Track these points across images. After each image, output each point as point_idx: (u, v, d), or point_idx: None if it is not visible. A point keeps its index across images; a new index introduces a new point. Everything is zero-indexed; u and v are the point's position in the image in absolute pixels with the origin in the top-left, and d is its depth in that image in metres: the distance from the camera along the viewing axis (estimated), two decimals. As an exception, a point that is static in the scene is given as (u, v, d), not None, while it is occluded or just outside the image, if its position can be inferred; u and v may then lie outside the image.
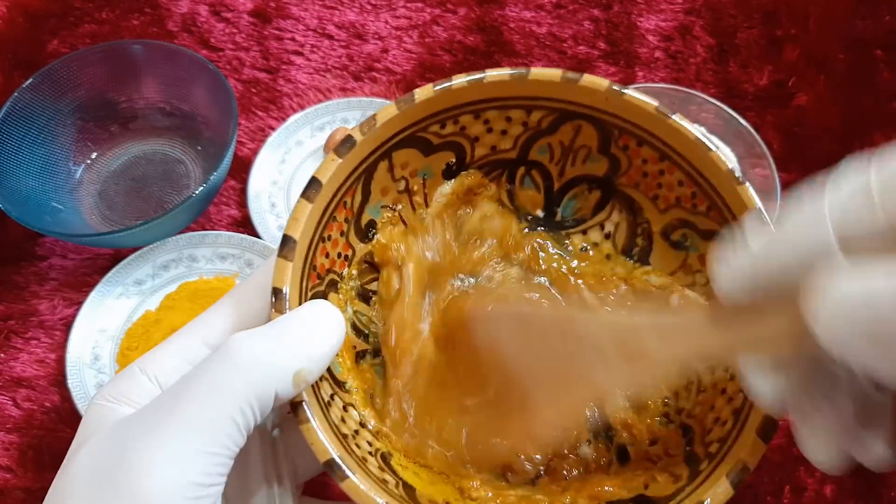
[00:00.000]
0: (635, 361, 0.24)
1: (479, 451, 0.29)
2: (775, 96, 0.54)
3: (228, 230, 0.49)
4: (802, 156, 0.51)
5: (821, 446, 0.22)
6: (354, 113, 0.53)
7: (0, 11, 0.57)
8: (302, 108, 0.54)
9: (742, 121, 0.50)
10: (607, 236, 0.34)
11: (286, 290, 0.25)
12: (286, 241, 0.26)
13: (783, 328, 0.20)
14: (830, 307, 0.17)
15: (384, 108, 0.29)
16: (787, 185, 0.50)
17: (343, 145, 0.28)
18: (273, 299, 0.25)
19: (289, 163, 0.51)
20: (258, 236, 0.47)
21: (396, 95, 0.55)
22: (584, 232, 0.35)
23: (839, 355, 0.18)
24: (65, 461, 0.23)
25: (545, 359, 0.28)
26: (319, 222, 0.28)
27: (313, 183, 0.27)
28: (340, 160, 0.28)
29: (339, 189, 0.29)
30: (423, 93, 0.29)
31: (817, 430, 0.21)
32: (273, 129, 0.53)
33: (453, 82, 0.29)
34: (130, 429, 0.22)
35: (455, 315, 0.31)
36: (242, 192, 0.50)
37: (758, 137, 0.49)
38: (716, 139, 0.50)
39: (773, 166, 0.48)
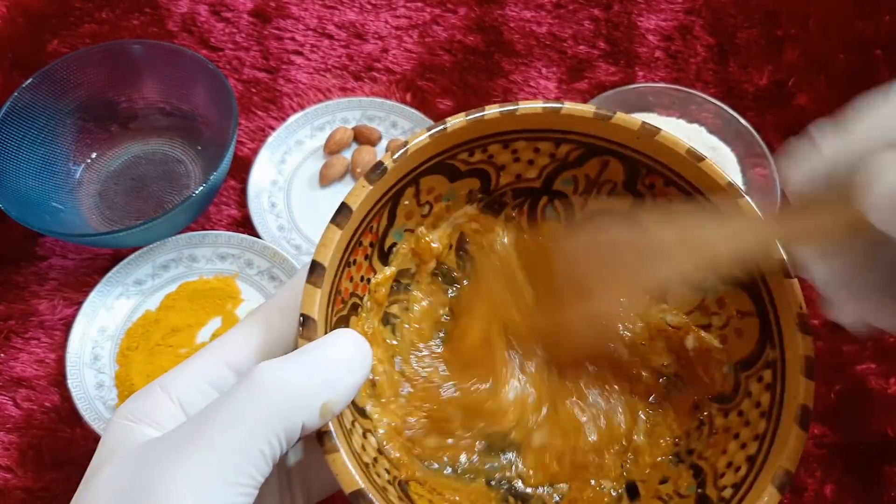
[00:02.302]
0: (697, 251, 0.27)
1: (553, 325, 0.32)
2: (775, 96, 0.54)
3: (228, 230, 0.49)
4: (802, 156, 0.51)
5: (855, 313, 0.25)
6: (354, 112, 0.53)
7: (0, 11, 0.57)
8: (302, 107, 0.54)
9: (742, 120, 0.50)
10: None
11: (315, 317, 0.25)
12: (315, 267, 0.26)
13: (841, 217, 0.23)
14: (880, 189, 0.21)
15: (416, 136, 0.29)
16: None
17: (374, 171, 0.28)
18: (301, 326, 0.25)
19: (289, 163, 0.51)
20: (258, 236, 0.47)
21: (396, 95, 0.55)
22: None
23: (888, 232, 0.21)
24: (84, 480, 0.23)
25: (613, 258, 0.30)
26: (347, 248, 0.28)
27: (343, 209, 0.27)
28: (371, 187, 0.28)
29: (367, 215, 0.29)
30: (455, 122, 0.29)
31: (858, 300, 0.25)
32: (273, 128, 0.53)
33: (486, 113, 0.29)
34: (156, 455, 0.22)
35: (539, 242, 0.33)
36: (242, 192, 0.50)
37: (758, 137, 0.49)
38: (715, 139, 0.51)
39: (773, 166, 0.48)
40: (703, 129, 0.51)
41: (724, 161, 0.49)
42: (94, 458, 0.24)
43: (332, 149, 0.51)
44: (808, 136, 0.24)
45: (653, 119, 0.51)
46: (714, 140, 0.50)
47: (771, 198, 0.47)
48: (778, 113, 0.53)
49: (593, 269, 0.30)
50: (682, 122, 0.51)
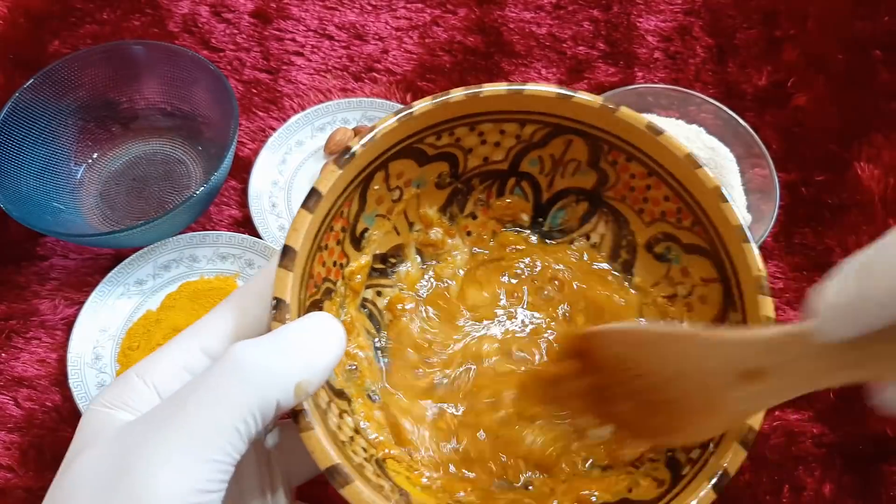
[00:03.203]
0: (755, 384, 0.23)
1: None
2: (774, 96, 0.54)
3: (229, 230, 0.49)
4: (801, 156, 0.52)
5: None
6: (355, 113, 0.53)
7: (1, 12, 0.57)
8: (302, 108, 0.54)
9: (741, 121, 0.50)
10: (593, 246, 0.35)
11: (287, 299, 0.26)
12: (287, 251, 0.26)
13: None
14: None
15: (383, 121, 0.29)
16: (785, 185, 0.50)
17: (342, 156, 0.28)
18: (274, 309, 0.25)
19: (289, 163, 0.51)
20: (259, 236, 0.48)
21: (397, 96, 0.55)
22: (571, 242, 0.35)
23: None
24: (62, 467, 0.23)
25: (667, 379, 0.27)
26: (318, 232, 0.28)
27: (313, 194, 0.28)
28: (340, 171, 0.28)
29: (337, 199, 0.29)
30: (421, 105, 0.30)
31: None
32: (274, 129, 0.53)
33: (451, 96, 0.30)
34: (133, 435, 0.22)
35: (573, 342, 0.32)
36: (243, 193, 0.50)
37: (757, 137, 0.50)
38: (714, 140, 0.51)
39: (772, 166, 0.48)
40: (702, 130, 0.51)
41: (723, 161, 0.50)
42: (71, 445, 0.24)
43: (332, 149, 0.51)
44: (836, 274, 0.20)
45: (652, 120, 0.51)
46: (713, 141, 0.50)
47: (770, 198, 0.47)
48: (777, 113, 0.54)
49: (655, 397, 0.27)
50: (681, 122, 0.51)
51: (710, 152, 0.50)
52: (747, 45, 0.57)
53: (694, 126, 0.51)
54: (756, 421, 0.26)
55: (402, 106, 0.52)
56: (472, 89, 0.30)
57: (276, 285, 0.26)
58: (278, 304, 0.25)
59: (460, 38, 0.58)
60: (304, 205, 0.27)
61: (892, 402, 0.21)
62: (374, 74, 0.56)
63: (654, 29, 0.58)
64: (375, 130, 0.29)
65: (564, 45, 0.57)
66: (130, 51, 0.50)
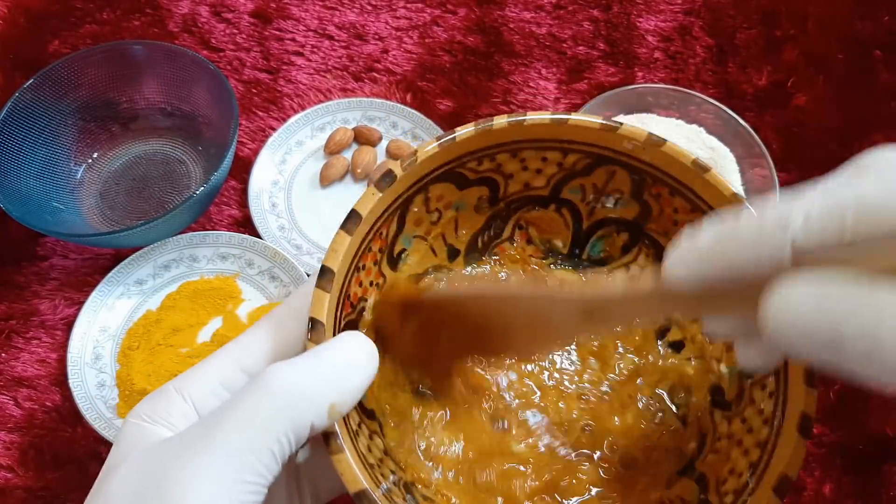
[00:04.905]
0: (597, 322, 0.27)
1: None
2: (774, 97, 0.54)
3: (229, 230, 0.49)
4: (801, 156, 0.52)
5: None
6: (355, 113, 0.53)
7: (1, 12, 0.57)
8: (302, 108, 0.54)
9: (741, 121, 0.50)
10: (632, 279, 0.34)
11: (323, 320, 0.26)
12: (325, 272, 0.27)
13: (732, 307, 0.22)
14: (786, 313, 0.19)
15: (425, 145, 0.29)
16: (786, 185, 0.50)
17: (384, 179, 0.29)
18: (310, 329, 0.26)
19: (289, 163, 0.51)
20: (259, 236, 0.48)
21: (397, 95, 0.55)
22: (609, 272, 0.35)
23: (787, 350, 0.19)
24: (99, 480, 0.24)
25: (519, 321, 0.29)
26: (356, 253, 0.28)
27: (353, 216, 0.28)
28: (381, 194, 0.28)
29: (376, 221, 0.29)
30: (464, 132, 0.30)
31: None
32: (273, 129, 0.53)
33: (494, 123, 0.30)
34: (168, 454, 0.23)
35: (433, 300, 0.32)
36: (243, 192, 0.50)
37: (757, 138, 0.50)
38: (714, 140, 0.51)
39: (772, 166, 0.48)
40: (702, 130, 0.51)
41: (723, 162, 0.50)
42: (108, 458, 0.24)
43: (332, 149, 0.51)
44: (701, 224, 0.21)
45: (652, 120, 0.51)
46: (713, 141, 0.50)
47: (770, 198, 0.47)
48: (777, 113, 0.54)
49: (509, 332, 0.30)
50: (681, 122, 0.51)
51: (710, 152, 0.50)
52: (747, 45, 0.57)
53: (694, 126, 0.51)
54: (793, 469, 0.25)
55: (399, 104, 0.53)
56: (516, 117, 0.30)
57: (313, 306, 0.26)
58: (314, 324, 0.26)
59: (460, 37, 0.58)
60: (344, 227, 0.27)
61: (717, 333, 0.25)
62: (374, 74, 0.56)
63: (654, 29, 0.58)
64: (417, 155, 0.29)
65: (564, 45, 0.57)
66: (130, 51, 0.50)
